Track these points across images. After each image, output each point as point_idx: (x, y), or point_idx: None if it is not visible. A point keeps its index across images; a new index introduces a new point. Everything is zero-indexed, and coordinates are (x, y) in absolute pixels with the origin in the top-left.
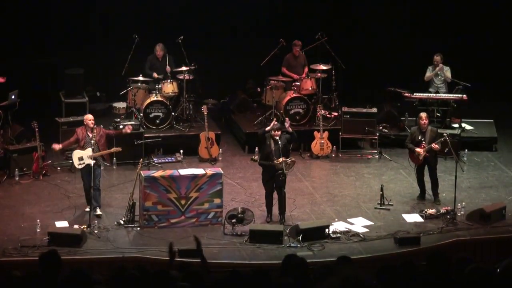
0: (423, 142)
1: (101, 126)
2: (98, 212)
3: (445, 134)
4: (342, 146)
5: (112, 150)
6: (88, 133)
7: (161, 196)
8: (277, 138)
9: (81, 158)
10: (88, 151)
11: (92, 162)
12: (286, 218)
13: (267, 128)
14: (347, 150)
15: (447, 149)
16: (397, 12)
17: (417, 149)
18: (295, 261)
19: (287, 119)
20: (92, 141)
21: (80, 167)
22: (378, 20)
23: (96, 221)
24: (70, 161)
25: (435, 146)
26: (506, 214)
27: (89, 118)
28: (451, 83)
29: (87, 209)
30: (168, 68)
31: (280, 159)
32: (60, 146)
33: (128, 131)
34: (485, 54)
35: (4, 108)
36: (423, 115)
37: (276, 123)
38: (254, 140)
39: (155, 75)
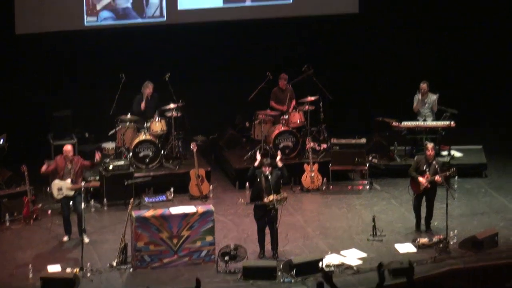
0: (427, 173)
1: (79, 156)
2: (86, 240)
3: (453, 169)
4: (333, 178)
5: (91, 184)
6: (67, 163)
7: (153, 236)
8: (268, 173)
9: (60, 189)
10: (67, 183)
11: (71, 193)
12: (279, 253)
13: (255, 164)
14: (337, 182)
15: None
16: (383, 40)
17: (420, 179)
18: None
19: (279, 152)
20: (71, 172)
21: (59, 197)
22: (363, 50)
23: (88, 264)
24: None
25: (438, 179)
26: (499, 241)
27: (67, 149)
28: (439, 110)
29: (65, 239)
30: (142, 105)
31: (271, 197)
32: (44, 168)
33: (98, 158)
34: (472, 79)
35: None
36: (430, 145)
37: (263, 158)
38: (245, 175)
39: (142, 105)
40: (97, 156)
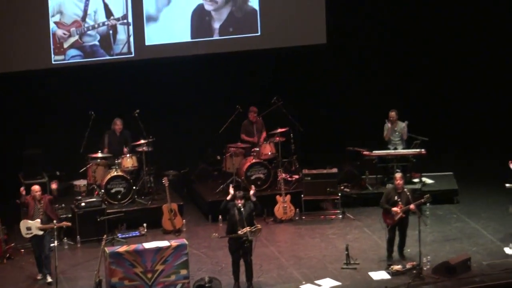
0: (400, 203)
1: (45, 194)
2: (49, 279)
3: (427, 195)
4: (305, 209)
5: (63, 224)
6: (36, 203)
7: (127, 271)
8: (240, 206)
9: (29, 228)
10: (37, 222)
11: (40, 232)
12: (254, 285)
13: (228, 198)
14: (310, 212)
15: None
16: (351, 70)
17: (394, 209)
18: None
19: (252, 186)
20: (40, 212)
21: (27, 236)
22: (333, 79)
23: None
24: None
25: (412, 207)
26: (471, 265)
27: (35, 189)
28: (409, 138)
29: (39, 277)
30: (125, 150)
31: (245, 229)
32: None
33: (54, 186)
34: (441, 106)
35: None
36: (398, 175)
37: (235, 191)
38: (217, 208)
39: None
40: (53, 184)
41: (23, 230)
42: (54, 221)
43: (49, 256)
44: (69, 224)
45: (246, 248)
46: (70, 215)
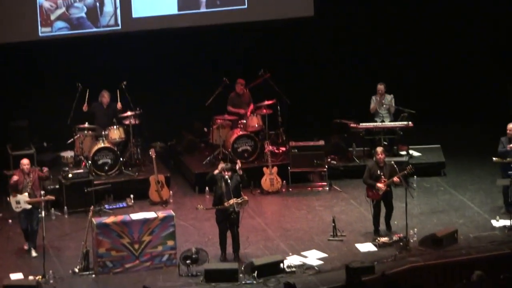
0: (383, 177)
1: (35, 167)
2: (34, 254)
3: (409, 166)
4: (292, 181)
5: (46, 198)
6: (25, 177)
7: (114, 242)
8: (227, 177)
9: (18, 202)
10: (25, 196)
11: (28, 206)
12: (241, 256)
13: (215, 172)
14: (297, 184)
15: (399, 180)
16: (339, 43)
17: (378, 184)
18: None
19: (238, 161)
20: (29, 185)
21: (17, 210)
22: (320, 52)
23: (51, 271)
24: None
25: (396, 179)
26: (458, 238)
27: (24, 163)
28: (396, 110)
29: (26, 247)
30: (119, 105)
31: (231, 201)
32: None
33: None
34: (428, 79)
35: None
36: (379, 149)
37: (223, 165)
38: (204, 180)
39: (84, 107)
40: (44, 170)
41: (13, 204)
42: (42, 193)
43: (36, 230)
44: (53, 198)
45: (233, 219)
46: (57, 186)
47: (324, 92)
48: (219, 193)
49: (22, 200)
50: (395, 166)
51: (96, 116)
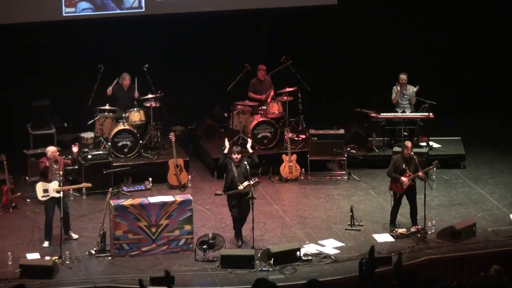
0: (408, 171)
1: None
2: (75, 236)
3: (436, 161)
4: (311, 169)
5: (82, 185)
6: (54, 165)
7: (132, 224)
8: (238, 161)
9: (46, 191)
10: (55, 184)
11: (57, 195)
12: (257, 242)
13: (225, 151)
14: (316, 172)
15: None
16: (361, 31)
17: (403, 178)
18: (265, 285)
19: (249, 139)
20: (57, 173)
21: (44, 199)
22: (342, 40)
23: (67, 252)
24: None
25: (422, 175)
26: (476, 231)
27: (53, 150)
28: (418, 101)
29: (46, 244)
30: (136, 94)
31: (245, 183)
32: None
33: (74, 149)
34: (451, 71)
35: None
36: (409, 144)
37: (232, 146)
38: (216, 164)
39: (109, 90)
40: (75, 148)
41: (40, 193)
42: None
43: (69, 213)
44: (90, 184)
45: (247, 205)
46: (76, 167)
47: (345, 81)
48: (231, 176)
49: (51, 189)
50: (416, 160)
51: (117, 98)
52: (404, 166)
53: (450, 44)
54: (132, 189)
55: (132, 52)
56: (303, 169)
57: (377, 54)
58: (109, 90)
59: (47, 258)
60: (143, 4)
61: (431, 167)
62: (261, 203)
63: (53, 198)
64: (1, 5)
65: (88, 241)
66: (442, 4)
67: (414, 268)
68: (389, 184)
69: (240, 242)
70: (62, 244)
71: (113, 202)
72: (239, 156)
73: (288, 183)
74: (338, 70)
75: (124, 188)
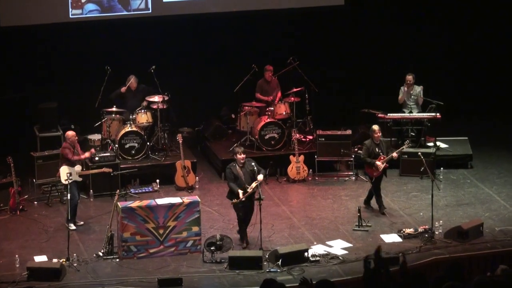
0: (382, 154)
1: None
2: (80, 222)
3: (406, 142)
4: (318, 169)
5: (103, 170)
6: (75, 148)
7: (139, 226)
8: (242, 162)
9: (70, 174)
10: (78, 168)
11: (79, 179)
12: (265, 243)
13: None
14: (323, 173)
15: (422, 168)
16: (368, 32)
17: (378, 162)
18: (273, 286)
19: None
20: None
21: (66, 182)
22: (349, 41)
23: (75, 254)
24: (47, 195)
25: (395, 155)
26: (484, 231)
27: (72, 134)
28: (425, 101)
29: (73, 227)
30: (145, 103)
31: (253, 184)
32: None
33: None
34: (458, 71)
35: None
36: (376, 128)
37: (236, 146)
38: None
39: (123, 88)
40: (90, 153)
41: (64, 176)
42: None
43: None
44: (111, 170)
45: (252, 206)
46: (84, 169)
47: (352, 82)
48: (238, 179)
49: (74, 172)
50: (388, 143)
51: (124, 100)
52: (377, 150)
53: (457, 44)
54: (140, 191)
55: (139, 53)
56: (310, 170)
57: (383, 54)
58: (124, 88)
59: (55, 260)
60: (150, 6)
61: (404, 146)
62: (268, 204)
63: (76, 181)
64: (8, 8)
65: (95, 243)
66: (450, 4)
67: (421, 268)
68: (363, 169)
69: (245, 244)
70: (70, 246)
71: (120, 204)
72: (243, 156)
73: (295, 184)
74: (344, 70)
75: (131, 190)
